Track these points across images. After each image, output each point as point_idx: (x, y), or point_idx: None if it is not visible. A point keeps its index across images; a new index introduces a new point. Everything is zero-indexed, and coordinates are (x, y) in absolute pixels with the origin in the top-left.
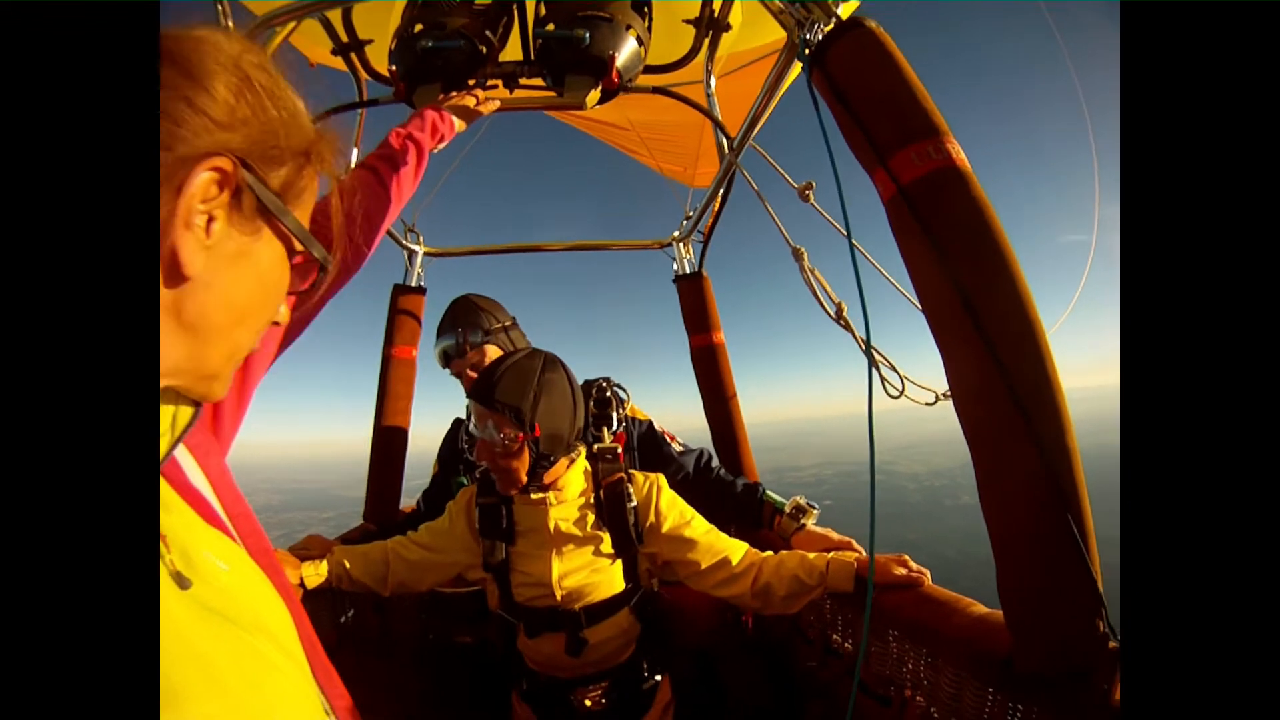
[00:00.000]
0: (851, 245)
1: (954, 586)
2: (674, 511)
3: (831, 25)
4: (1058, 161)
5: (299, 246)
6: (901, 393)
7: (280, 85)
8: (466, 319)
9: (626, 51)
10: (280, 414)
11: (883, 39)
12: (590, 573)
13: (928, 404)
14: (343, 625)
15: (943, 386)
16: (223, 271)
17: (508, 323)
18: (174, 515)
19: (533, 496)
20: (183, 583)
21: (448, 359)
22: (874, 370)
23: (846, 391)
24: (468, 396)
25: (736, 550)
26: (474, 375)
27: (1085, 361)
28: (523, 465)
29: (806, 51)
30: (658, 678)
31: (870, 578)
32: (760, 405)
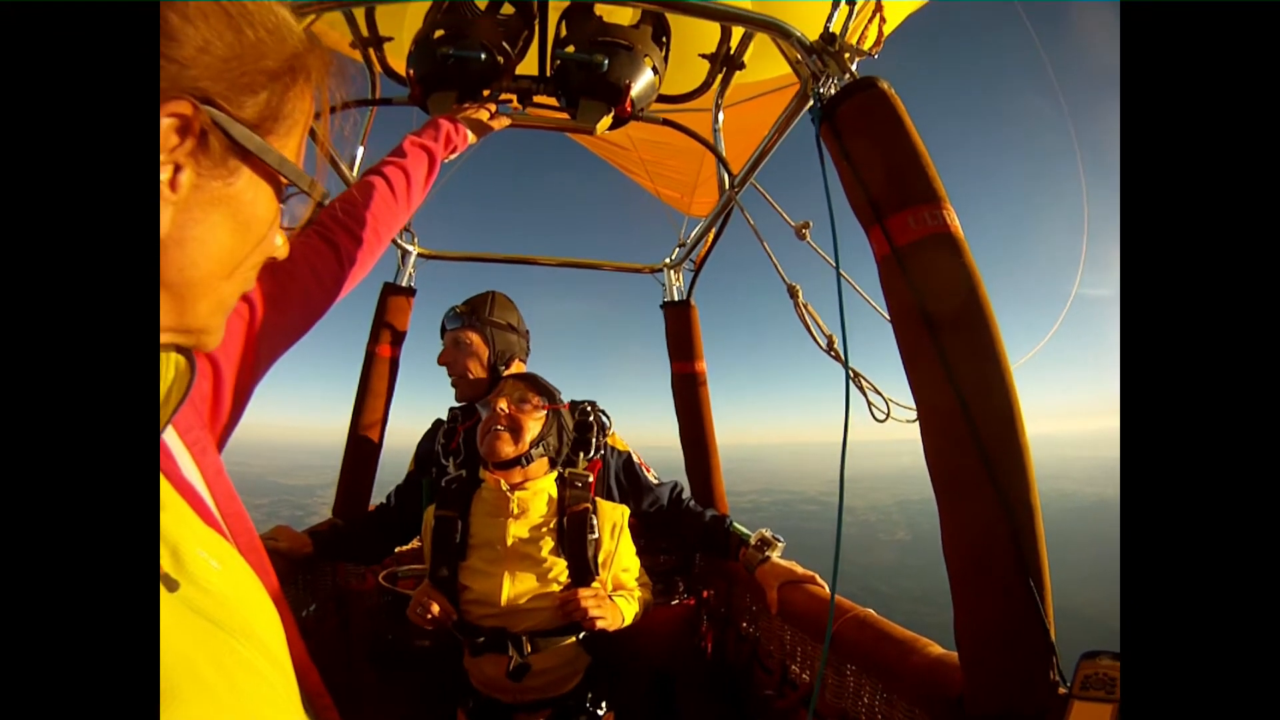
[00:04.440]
0: (839, 277)
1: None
2: (627, 550)
3: (845, 81)
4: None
5: (286, 180)
6: (888, 415)
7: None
8: (478, 301)
9: (642, 82)
10: None
11: (893, 101)
12: (541, 597)
13: (910, 421)
14: (303, 619)
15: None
16: (197, 224)
17: (506, 323)
18: (169, 512)
19: (502, 486)
20: (170, 585)
21: (444, 330)
22: (858, 395)
23: (785, 421)
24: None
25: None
26: (451, 358)
27: (1055, 406)
28: (533, 427)
29: (818, 105)
30: (600, 713)
31: (830, 614)
32: None
